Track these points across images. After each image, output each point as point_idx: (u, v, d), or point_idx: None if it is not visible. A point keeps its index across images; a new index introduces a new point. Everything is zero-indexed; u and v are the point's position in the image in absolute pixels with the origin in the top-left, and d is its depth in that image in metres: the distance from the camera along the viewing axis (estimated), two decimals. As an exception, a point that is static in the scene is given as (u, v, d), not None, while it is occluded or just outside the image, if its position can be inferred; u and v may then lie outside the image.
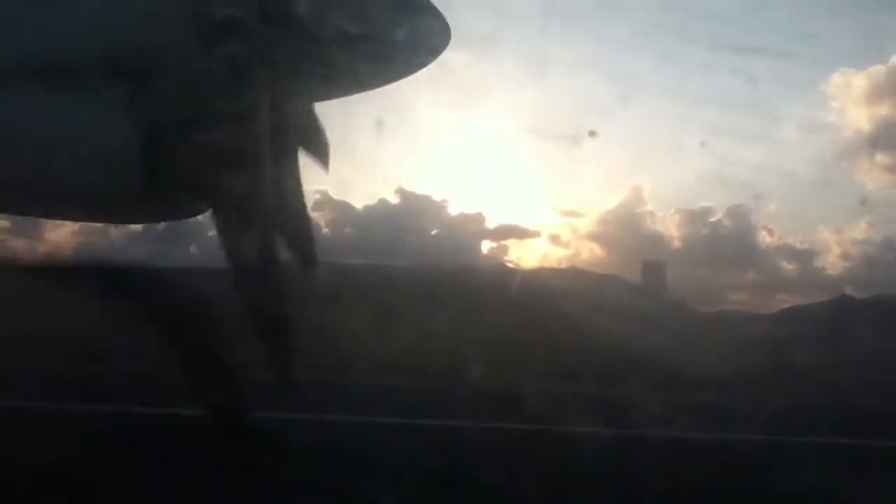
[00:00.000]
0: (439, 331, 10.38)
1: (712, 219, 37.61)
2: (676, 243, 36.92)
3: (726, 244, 34.42)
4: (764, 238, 39.52)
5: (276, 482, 3.74)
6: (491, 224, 43.19)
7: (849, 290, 24.16)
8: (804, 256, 37.66)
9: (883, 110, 43.86)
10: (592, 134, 26.50)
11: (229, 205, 3.87)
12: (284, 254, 4.03)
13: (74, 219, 5.91)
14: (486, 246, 37.53)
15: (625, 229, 36.59)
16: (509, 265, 27.93)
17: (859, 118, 43.12)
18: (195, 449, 4.14)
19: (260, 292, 3.86)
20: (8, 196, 4.31)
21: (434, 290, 13.31)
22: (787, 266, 37.20)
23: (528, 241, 37.00)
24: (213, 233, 4.48)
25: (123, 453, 4.17)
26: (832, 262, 39.08)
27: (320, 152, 4.27)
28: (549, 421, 5.83)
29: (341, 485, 3.91)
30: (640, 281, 20.79)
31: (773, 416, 6.53)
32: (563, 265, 28.72)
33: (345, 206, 30.46)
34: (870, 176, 41.45)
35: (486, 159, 42.34)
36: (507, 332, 11.48)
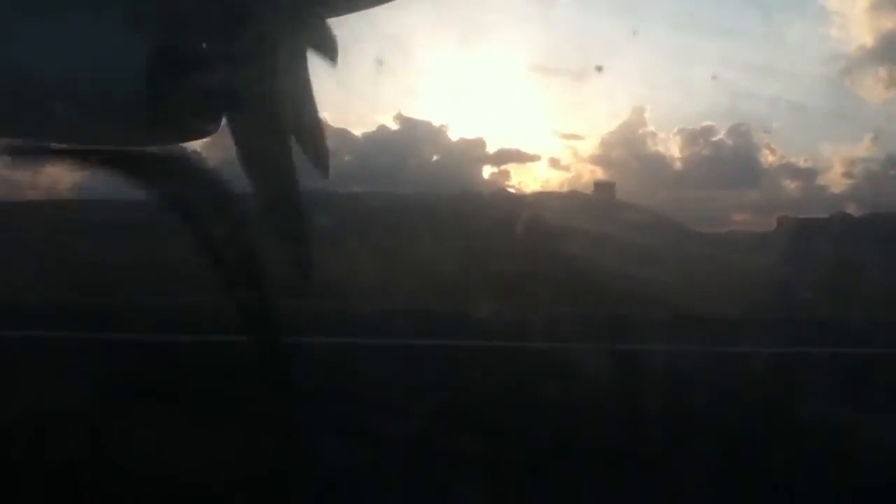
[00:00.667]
0: (442, 256, 10.52)
1: (714, 138, 37.40)
2: (678, 164, 36.82)
3: (728, 164, 34.33)
4: (766, 157, 39.36)
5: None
6: (491, 149, 42.96)
7: (851, 209, 24.39)
8: (806, 175, 37.53)
9: (888, 23, 42.98)
10: (599, 69, 26.04)
11: (245, 117, 3.93)
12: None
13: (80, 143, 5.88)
14: (487, 171, 37.45)
15: (626, 151, 36.48)
16: (510, 190, 28.04)
17: (862, 32, 42.26)
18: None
19: (277, 200, 3.97)
20: (9, 125, 4.24)
21: (436, 217, 13.41)
22: (790, 185, 37.19)
23: (529, 165, 36.93)
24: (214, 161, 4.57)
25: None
26: (835, 180, 39.02)
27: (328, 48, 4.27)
28: (557, 339, 6.04)
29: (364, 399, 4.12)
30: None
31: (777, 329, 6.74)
32: (564, 188, 28.80)
33: (344, 134, 30.19)
34: (873, 92, 40.94)
35: (487, 85, 41.64)
36: (507, 255, 11.64)
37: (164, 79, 3.83)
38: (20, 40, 3.89)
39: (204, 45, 4.23)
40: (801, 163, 38.59)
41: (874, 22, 42.36)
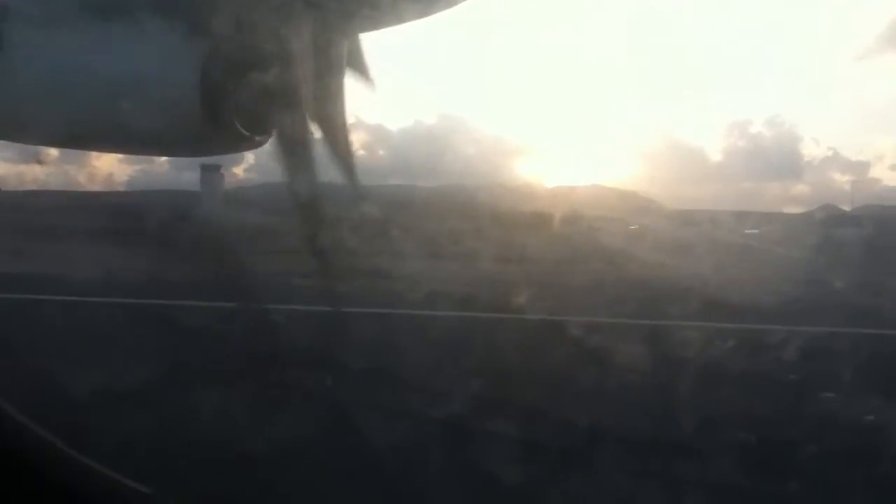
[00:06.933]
0: (469, 246, 10.89)
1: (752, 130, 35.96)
2: (717, 156, 35.88)
3: (770, 156, 32.82)
4: (810, 149, 38.12)
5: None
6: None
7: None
8: (856, 168, 36.22)
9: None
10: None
11: (282, 138, 4.26)
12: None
13: (136, 153, 6.23)
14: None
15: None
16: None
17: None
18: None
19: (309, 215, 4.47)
20: (69, 135, 4.41)
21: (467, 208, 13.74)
22: (840, 178, 36.02)
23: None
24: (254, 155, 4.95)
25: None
26: (884, 173, 37.71)
27: (363, 72, 4.62)
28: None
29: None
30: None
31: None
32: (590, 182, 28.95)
33: (379, 129, 30.21)
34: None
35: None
36: (536, 243, 12.04)
37: (218, 83, 4.05)
38: (83, 57, 4.02)
39: (255, 50, 4.59)
40: (851, 156, 37.12)
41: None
